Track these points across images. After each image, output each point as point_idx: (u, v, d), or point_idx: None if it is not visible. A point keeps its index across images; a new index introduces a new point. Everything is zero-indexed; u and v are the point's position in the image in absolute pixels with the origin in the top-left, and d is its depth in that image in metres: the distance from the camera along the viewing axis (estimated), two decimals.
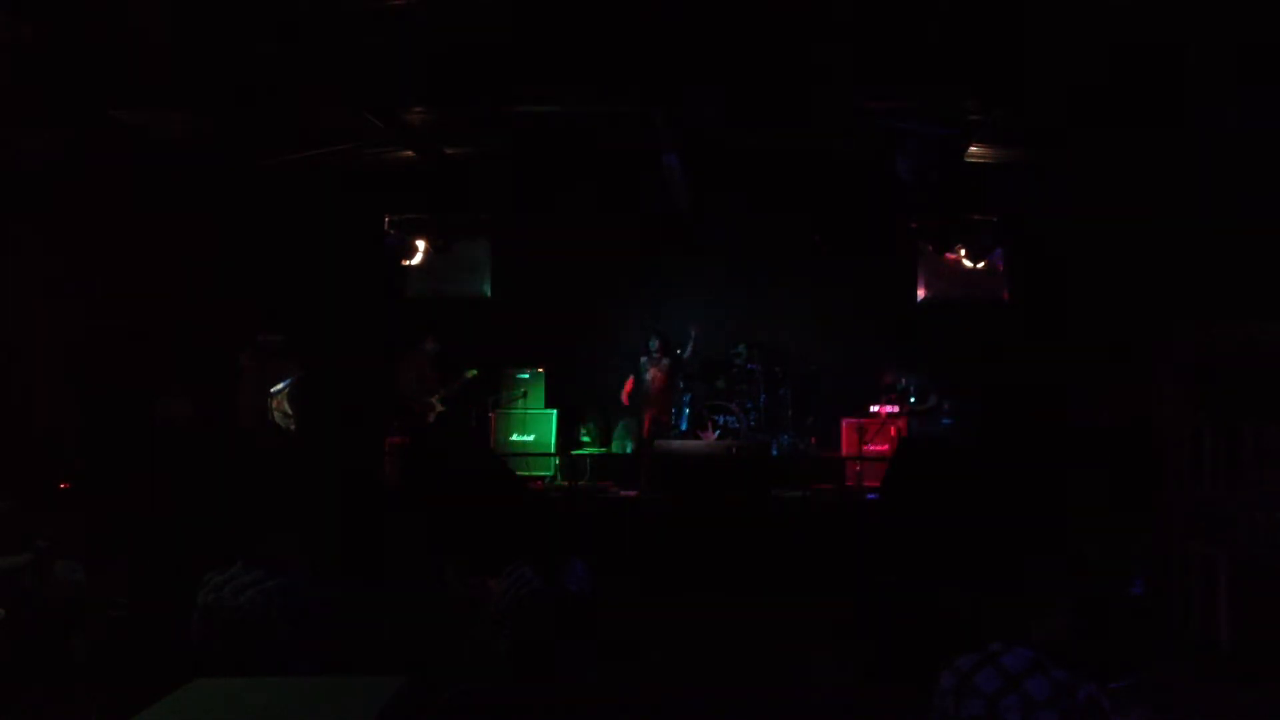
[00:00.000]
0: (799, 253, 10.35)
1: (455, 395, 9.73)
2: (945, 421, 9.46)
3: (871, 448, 9.48)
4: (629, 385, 10.06)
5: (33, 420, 7.95)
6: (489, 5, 6.10)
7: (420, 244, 10.10)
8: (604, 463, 9.97)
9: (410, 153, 9.08)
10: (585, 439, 10.55)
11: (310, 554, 4.21)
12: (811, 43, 6.59)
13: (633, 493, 8.83)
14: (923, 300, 10.60)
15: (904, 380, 9.48)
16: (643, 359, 9.95)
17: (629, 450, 10.36)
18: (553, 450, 10.02)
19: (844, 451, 9.72)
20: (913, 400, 9.43)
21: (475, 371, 9.86)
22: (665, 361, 9.86)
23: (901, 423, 9.53)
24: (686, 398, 10.19)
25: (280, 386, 9.77)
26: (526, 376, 10.38)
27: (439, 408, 9.58)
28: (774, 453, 9.75)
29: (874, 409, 9.79)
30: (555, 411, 10.23)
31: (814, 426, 10.25)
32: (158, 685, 3.00)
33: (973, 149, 8.57)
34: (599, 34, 6.48)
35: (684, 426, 10.13)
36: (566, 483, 9.52)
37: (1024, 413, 9.45)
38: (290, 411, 9.80)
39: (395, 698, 2.91)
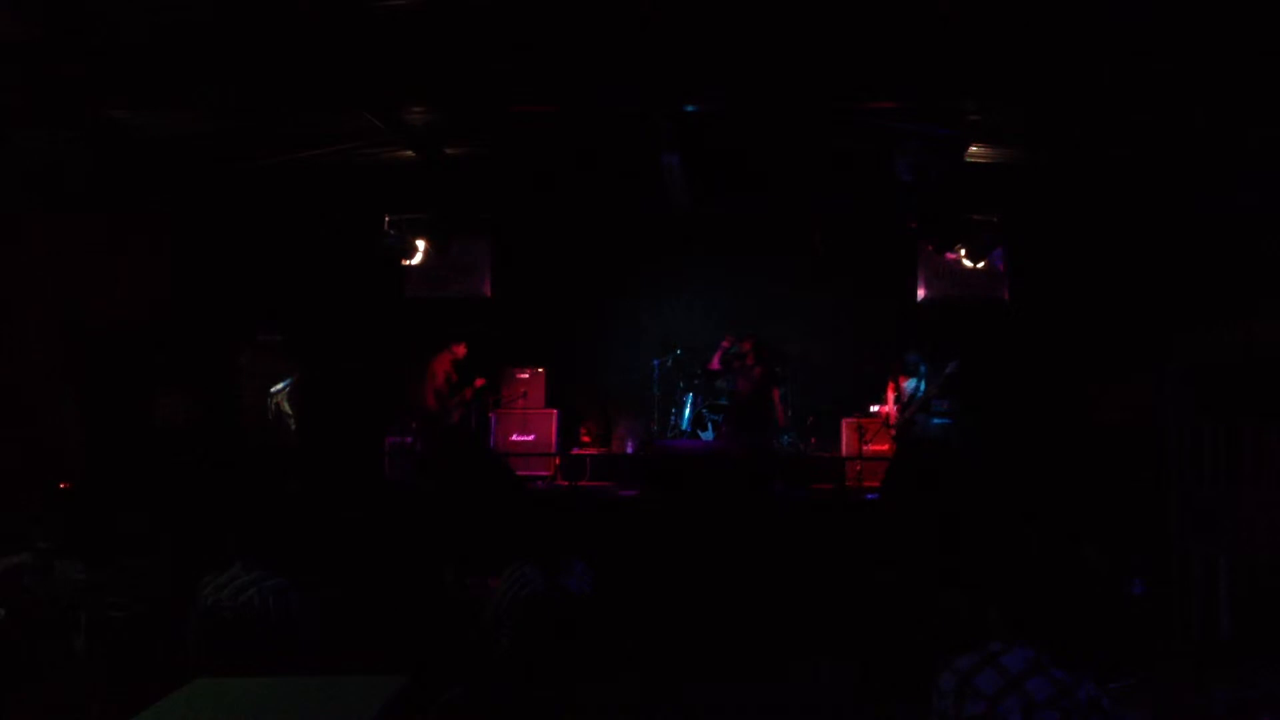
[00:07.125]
0: (799, 252, 10.35)
1: (468, 402, 9.61)
2: (938, 421, 9.43)
3: (871, 448, 9.48)
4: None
5: (33, 420, 7.93)
6: (490, 5, 6.09)
7: (420, 244, 10.09)
8: (604, 463, 9.97)
9: (410, 153, 9.07)
10: (585, 439, 10.54)
11: (310, 553, 4.21)
12: (813, 42, 6.59)
13: (633, 492, 8.83)
14: (923, 300, 10.60)
15: (916, 358, 9.25)
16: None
17: (629, 450, 10.35)
18: (553, 450, 10.02)
19: (844, 451, 9.72)
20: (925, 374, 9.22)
21: (485, 381, 9.86)
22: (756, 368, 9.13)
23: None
24: (688, 397, 10.18)
25: (280, 386, 9.78)
26: (526, 376, 10.38)
27: (459, 411, 9.44)
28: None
29: (874, 409, 9.78)
30: (555, 411, 10.23)
31: (814, 426, 10.25)
32: (158, 685, 3.01)
33: (973, 149, 8.56)
34: (599, 33, 6.48)
35: (685, 426, 10.12)
36: (566, 483, 9.51)
37: (1024, 413, 9.46)
38: (290, 411, 9.82)
39: (395, 698, 2.91)
